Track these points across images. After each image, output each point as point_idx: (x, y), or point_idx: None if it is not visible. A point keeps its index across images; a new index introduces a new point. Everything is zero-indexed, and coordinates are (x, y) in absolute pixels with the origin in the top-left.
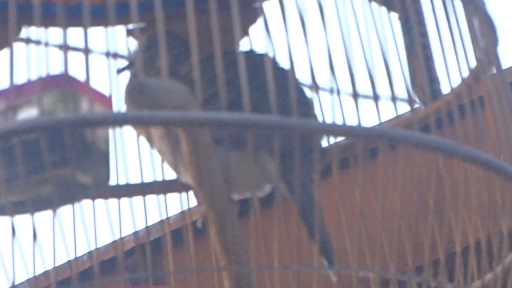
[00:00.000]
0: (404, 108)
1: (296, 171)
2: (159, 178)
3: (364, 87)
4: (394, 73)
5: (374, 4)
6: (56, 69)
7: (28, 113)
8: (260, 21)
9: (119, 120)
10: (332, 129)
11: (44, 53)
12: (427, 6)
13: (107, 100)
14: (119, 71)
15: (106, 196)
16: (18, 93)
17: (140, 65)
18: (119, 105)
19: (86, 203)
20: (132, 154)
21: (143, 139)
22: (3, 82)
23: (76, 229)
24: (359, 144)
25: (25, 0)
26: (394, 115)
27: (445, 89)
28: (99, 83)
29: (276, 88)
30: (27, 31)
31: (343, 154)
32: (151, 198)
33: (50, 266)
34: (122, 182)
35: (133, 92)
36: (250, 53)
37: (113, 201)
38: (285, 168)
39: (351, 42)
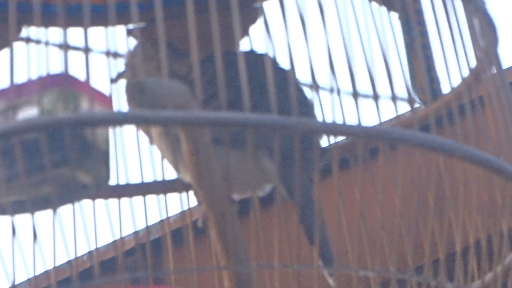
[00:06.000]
0: (404, 107)
1: (296, 171)
2: (159, 178)
3: (364, 87)
4: (394, 73)
5: (374, 3)
6: (56, 68)
7: (28, 113)
8: (260, 20)
9: (119, 120)
10: (332, 129)
11: (44, 53)
12: (427, 6)
13: (107, 100)
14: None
15: (106, 196)
16: (18, 93)
17: (139, 64)
18: (119, 105)
19: (86, 203)
20: (132, 154)
21: (143, 137)
22: (3, 81)
23: (76, 229)
24: (359, 144)
25: None
26: (394, 115)
27: (445, 88)
28: (99, 83)
29: (276, 88)
30: (27, 31)
31: (343, 154)
32: (151, 198)
33: (50, 266)
34: (122, 182)
35: (133, 91)
36: (250, 53)
37: (113, 201)
38: (284, 169)
39: (351, 42)
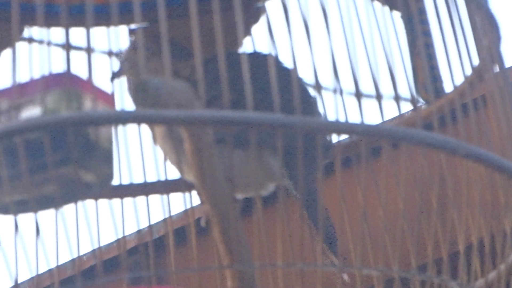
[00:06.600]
0: (407, 107)
1: (299, 169)
2: (162, 178)
3: (367, 86)
4: (397, 72)
5: (376, 3)
6: (58, 68)
7: (31, 112)
8: (262, 20)
9: (122, 119)
10: (335, 127)
11: (47, 53)
12: (430, 5)
13: (110, 99)
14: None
15: (109, 196)
16: (21, 92)
17: (142, 63)
18: (122, 103)
19: (89, 202)
20: (135, 153)
21: (146, 136)
22: (6, 81)
23: (79, 228)
24: (361, 143)
25: (28, 0)
26: (396, 114)
27: (448, 87)
28: (102, 82)
29: (279, 87)
30: (29, 31)
31: (346, 153)
32: (154, 197)
33: (53, 265)
34: (125, 181)
35: (136, 90)
36: (254, 53)
37: (116, 201)
38: (289, 165)
39: (354, 41)
